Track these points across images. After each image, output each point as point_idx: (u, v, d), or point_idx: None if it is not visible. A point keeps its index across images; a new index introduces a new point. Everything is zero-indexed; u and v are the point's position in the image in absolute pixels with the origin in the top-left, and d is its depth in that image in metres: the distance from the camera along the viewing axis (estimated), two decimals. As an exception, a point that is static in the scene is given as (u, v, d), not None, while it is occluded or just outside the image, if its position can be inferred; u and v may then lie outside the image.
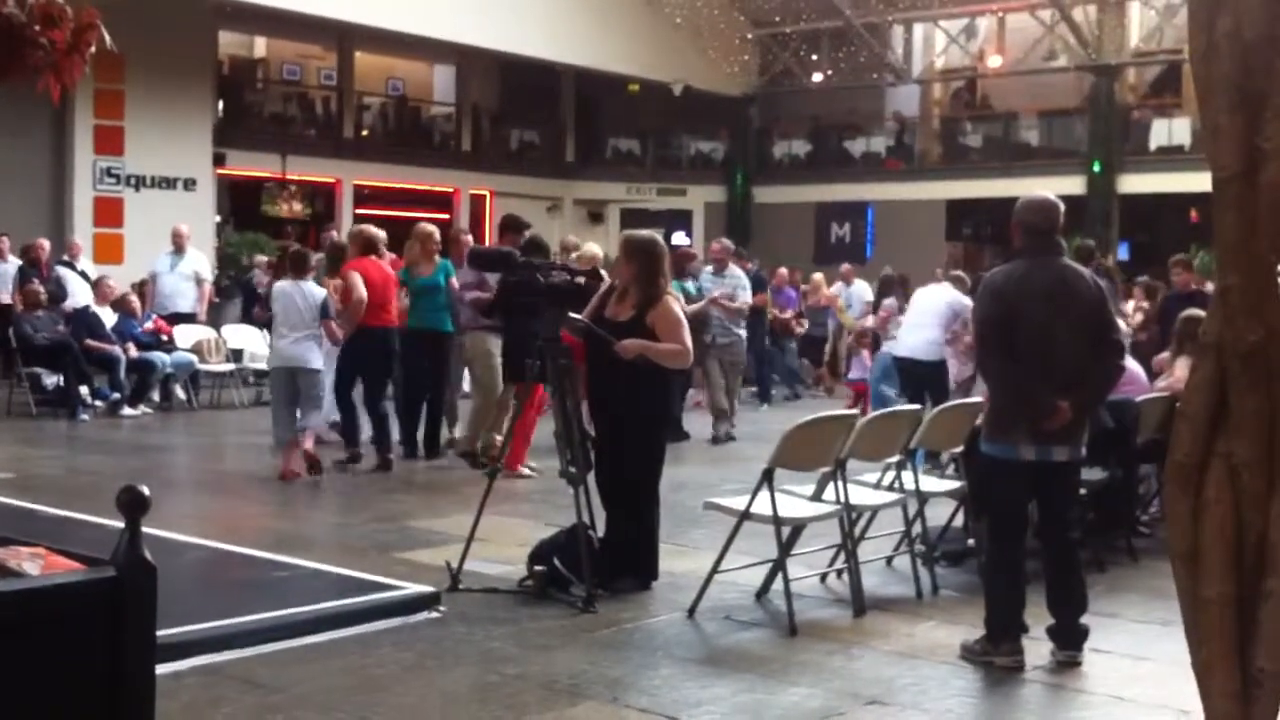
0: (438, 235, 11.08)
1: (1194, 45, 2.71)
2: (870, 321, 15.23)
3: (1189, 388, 2.77)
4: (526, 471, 9.84)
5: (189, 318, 15.17)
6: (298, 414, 9.84)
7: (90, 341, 13.45)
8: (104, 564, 2.56)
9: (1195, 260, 14.56)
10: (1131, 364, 8.24)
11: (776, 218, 27.15)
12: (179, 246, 15.37)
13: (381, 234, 10.96)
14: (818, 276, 19.35)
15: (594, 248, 11.94)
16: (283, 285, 10.12)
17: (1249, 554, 2.61)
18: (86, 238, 18.30)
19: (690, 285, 12.37)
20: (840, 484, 6.29)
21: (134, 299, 14.50)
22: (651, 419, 6.67)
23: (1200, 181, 2.95)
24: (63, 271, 15.22)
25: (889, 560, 7.11)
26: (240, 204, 23.99)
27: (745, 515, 6.04)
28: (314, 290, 9.94)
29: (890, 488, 6.86)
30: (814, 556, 6.78)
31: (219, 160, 21.77)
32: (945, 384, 10.56)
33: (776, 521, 5.96)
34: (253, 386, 15.06)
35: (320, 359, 9.93)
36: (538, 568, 6.34)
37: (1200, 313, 8.49)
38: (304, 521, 8.36)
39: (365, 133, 26.12)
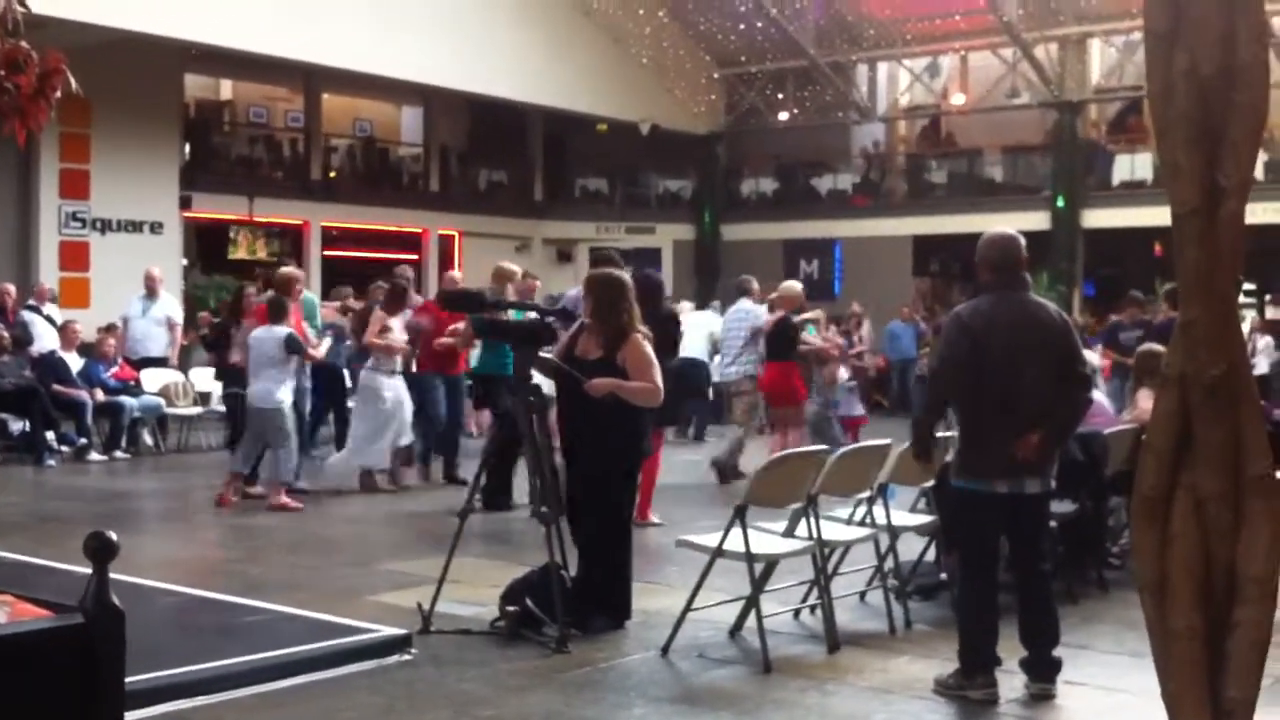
0: (520, 275, 11.04)
1: (1152, 83, 2.75)
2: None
3: (1153, 420, 2.80)
4: (656, 520, 9.63)
5: (160, 361, 15.09)
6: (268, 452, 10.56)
7: (57, 386, 13.36)
8: (72, 610, 2.54)
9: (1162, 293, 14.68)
10: (1099, 396, 8.31)
11: (745, 255, 27.19)
12: (151, 290, 15.29)
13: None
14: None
15: (795, 285, 12.08)
16: (258, 333, 10.49)
17: (1217, 585, 2.62)
18: (52, 282, 18.17)
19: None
20: (812, 520, 6.30)
21: (111, 342, 14.43)
22: (623, 457, 6.66)
23: (1164, 215, 2.99)
24: (28, 316, 15.11)
25: (862, 595, 7.11)
26: (207, 247, 23.91)
27: (718, 552, 6.04)
28: (278, 330, 10.40)
29: (862, 523, 6.87)
30: (787, 592, 6.77)
31: (185, 203, 21.70)
32: None
33: (749, 558, 5.96)
34: (220, 429, 14.97)
35: (283, 396, 10.40)
36: (510, 608, 6.31)
37: (1157, 347, 8.61)
38: (274, 565, 8.29)
39: (333, 174, 26.11)
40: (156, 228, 21.06)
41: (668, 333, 9.81)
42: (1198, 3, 2.54)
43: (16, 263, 19.51)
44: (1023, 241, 5.62)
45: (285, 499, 10.35)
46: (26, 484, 12.17)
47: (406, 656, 5.89)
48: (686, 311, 17.49)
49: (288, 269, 11.89)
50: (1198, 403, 2.64)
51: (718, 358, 13.91)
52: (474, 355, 11.13)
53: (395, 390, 11.17)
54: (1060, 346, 5.52)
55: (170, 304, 15.88)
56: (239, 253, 24.31)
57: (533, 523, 7.67)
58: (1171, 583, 2.69)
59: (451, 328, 10.98)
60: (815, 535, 6.29)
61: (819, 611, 6.47)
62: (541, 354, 6.61)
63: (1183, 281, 2.72)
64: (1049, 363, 5.46)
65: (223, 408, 14.88)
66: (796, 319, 12.07)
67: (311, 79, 24.46)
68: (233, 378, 11.93)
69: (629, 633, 6.43)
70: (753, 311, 12.47)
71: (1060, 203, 24.27)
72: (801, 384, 11.87)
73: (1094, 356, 8.46)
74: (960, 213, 24.58)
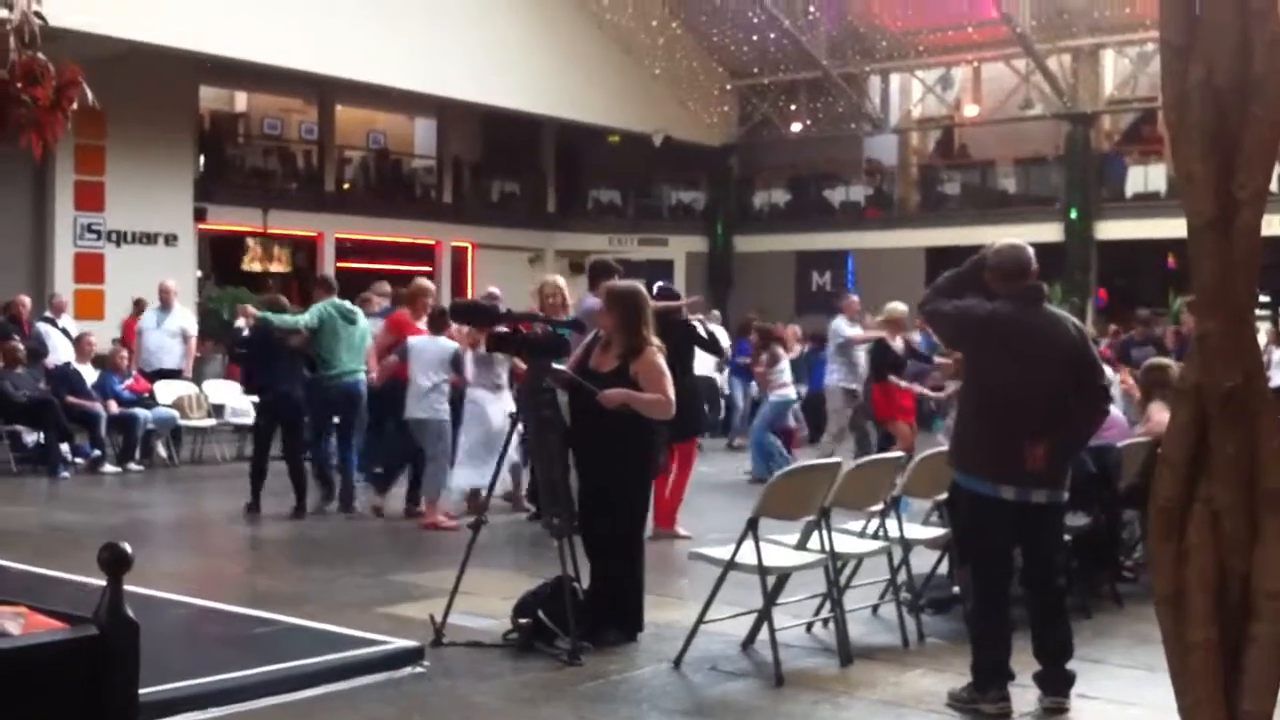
0: (557, 284, 10.61)
1: (1167, 94, 2.74)
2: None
3: (1169, 433, 2.79)
4: (683, 532, 9.58)
5: (174, 374, 15.13)
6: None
7: (71, 398, 13.40)
8: (86, 622, 2.55)
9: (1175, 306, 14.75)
10: (1113, 409, 8.28)
11: (757, 267, 27.26)
12: (166, 303, 15.33)
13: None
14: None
15: (897, 308, 12.16)
16: (417, 342, 10.23)
17: (1232, 598, 2.61)
18: (67, 294, 18.24)
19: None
20: (825, 532, 6.28)
21: (123, 354, 14.47)
22: (635, 469, 6.66)
23: (1177, 227, 2.98)
24: (43, 328, 15.17)
25: (875, 609, 7.09)
26: (221, 259, 23.98)
27: (730, 565, 6.03)
28: (444, 343, 10.16)
29: (875, 536, 6.85)
30: (799, 605, 6.75)
31: (200, 215, 21.79)
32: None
33: (762, 571, 5.95)
34: (234, 441, 15.03)
35: (438, 411, 10.11)
36: (522, 620, 6.30)
37: (1164, 360, 8.61)
38: (286, 577, 8.30)
39: (347, 186, 26.18)
40: (171, 240, 21.15)
41: (684, 343, 9.82)
42: (1213, 14, 2.53)
43: (31, 274, 19.60)
44: (1031, 251, 5.59)
45: (440, 518, 10.00)
46: (41, 495, 12.21)
47: (418, 669, 5.89)
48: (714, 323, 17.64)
49: (421, 280, 11.36)
50: (1214, 415, 2.63)
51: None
52: None
53: (501, 406, 10.20)
54: (1076, 359, 5.49)
55: (185, 316, 15.92)
56: (253, 264, 24.42)
57: (545, 535, 7.68)
58: (1188, 595, 2.68)
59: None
60: (828, 548, 6.28)
61: (831, 625, 6.45)
62: (555, 366, 6.61)
63: (1198, 293, 2.71)
64: (1061, 374, 5.45)
65: (236, 420, 14.98)
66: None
67: (325, 91, 24.54)
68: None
69: (641, 645, 6.42)
70: (838, 326, 13.01)
71: (1073, 214, 24.23)
72: (910, 404, 12.05)
73: (1108, 370, 8.54)
74: (973, 224, 24.53)
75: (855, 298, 13.60)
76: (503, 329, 7.22)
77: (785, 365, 14.43)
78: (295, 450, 10.62)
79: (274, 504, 10.62)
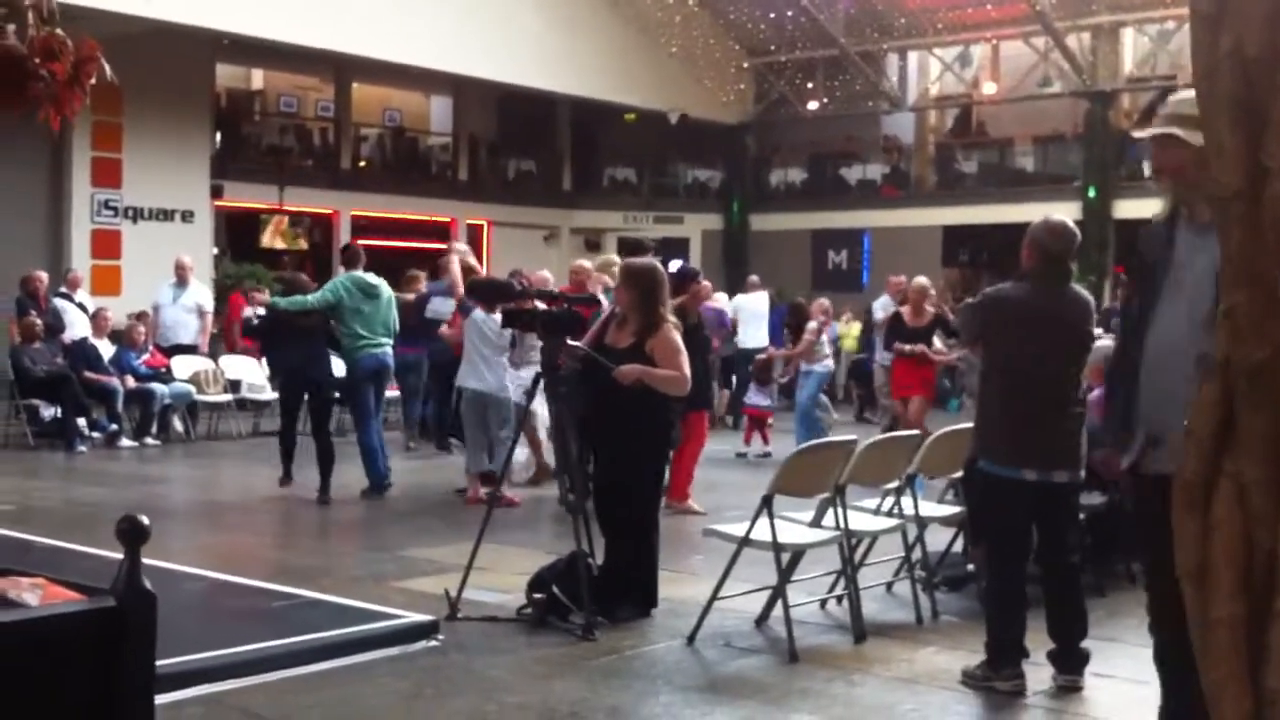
0: (586, 266, 10.58)
1: (1196, 65, 2.71)
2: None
3: (1195, 407, 2.76)
4: (697, 507, 9.55)
5: (190, 349, 15.18)
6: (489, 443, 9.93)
7: (88, 373, 13.45)
8: (104, 594, 2.55)
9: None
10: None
11: (773, 245, 27.20)
12: (182, 278, 15.37)
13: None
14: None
15: (917, 282, 12.05)
16: (477, 314, 9.91)
17: (1258, 573, 2.59)
18: (84, 270, 18.29)
19: None
20: (840, 509, 6.28)
21: (140, 329, 14.51)
22: (651, 445, 6.66)
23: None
24: (60, 303, 15.22)
25: (889, 586, 7.08)
26: (238, 235, 24.02)
27: (745, 541, 6.02)
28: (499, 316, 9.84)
29: (890, 513, 6.85)
30: (814, 582, 6.75)
31: (216, 192, 21.81)
32: None
33: (776, 547, 5.94)
34: (250, 417, 15.08)
35: (505, 388, 9.89)
36: (537, 596, 6.31)
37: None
38: (302, 551, 8.33)
39: (363, 163, 26.18)
40: (188, 216, 21.17)
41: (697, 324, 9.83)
42: (1243, -17, 2.51)
43: (48, 250, 19.64)
44: (1079, 235, 5.60)
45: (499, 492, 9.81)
46: (58, 470, 12.26)
47: (433, 643, 5.90)
48: (753, 290, 17.56)
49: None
50: (1241, 388, 2.60)
51: None
52: None
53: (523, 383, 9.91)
54: (1093, 337, 5.51)
55: (201, 292, 15.97)
56: (269, 241, 24.46)
57: (560, 511, 7.69)
58: (1213, 571, 2.65)
59: None
60: (842, 525, 6.27)
61: (845, 602, 6.46)
62: (571, 342, 6.61)
63: (1225, 265, 2.67)
64: (1082, 356, 5.48)
65: (252, 396, 15.03)
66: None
67: (342, 69, 24.52)
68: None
69: (655, 621, 6.43)
70: (879, 307, 12.88)
71: (1091, 193, 24.12)
72: (928, 377, 11.99)
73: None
74: (990, 203, 24.47)
75: (900, 279, 13.45)
76: (512, 306, 7.25)
77: (825, 337, 14.34)
78: (322, 429, 10.38)
79: (298, 480, 10.62)
